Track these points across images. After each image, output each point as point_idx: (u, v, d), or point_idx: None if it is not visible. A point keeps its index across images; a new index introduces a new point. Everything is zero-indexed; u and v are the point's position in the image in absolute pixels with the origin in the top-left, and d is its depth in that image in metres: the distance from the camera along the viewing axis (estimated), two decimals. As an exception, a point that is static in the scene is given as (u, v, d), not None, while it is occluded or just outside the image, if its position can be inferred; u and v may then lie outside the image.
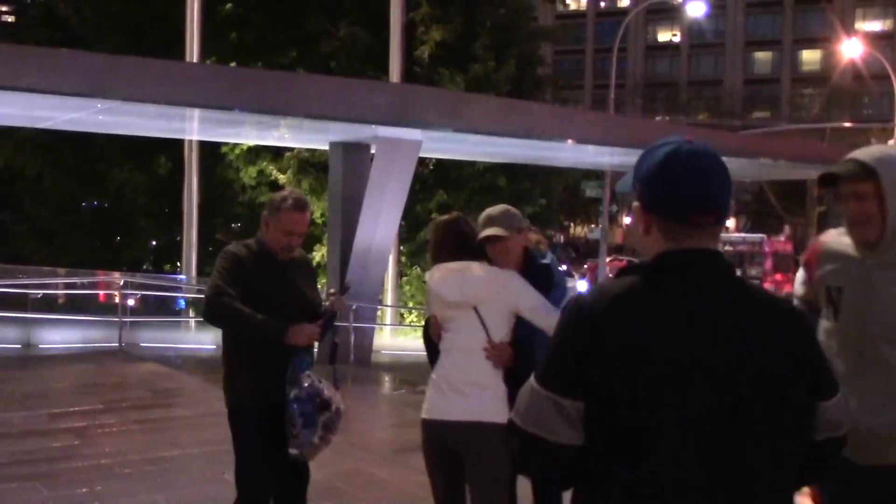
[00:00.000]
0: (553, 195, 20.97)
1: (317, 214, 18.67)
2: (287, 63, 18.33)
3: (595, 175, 25.18)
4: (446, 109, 13.23)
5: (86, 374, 9.85)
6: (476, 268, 3.76)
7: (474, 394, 3.68)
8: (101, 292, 17.08)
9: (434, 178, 17.60)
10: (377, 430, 8.11)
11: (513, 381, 3.73)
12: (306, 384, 3.92)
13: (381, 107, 12.61)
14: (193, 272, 17.11)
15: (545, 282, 3.88)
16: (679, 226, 1.84)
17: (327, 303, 4.22)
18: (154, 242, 23.77)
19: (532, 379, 1.84)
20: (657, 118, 49.08)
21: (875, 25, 59.25)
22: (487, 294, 3.71)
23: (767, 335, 1.81)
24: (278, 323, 3.91)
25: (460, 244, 3.85)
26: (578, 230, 58.51)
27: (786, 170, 18.65)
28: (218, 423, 7.81)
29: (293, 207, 4.06)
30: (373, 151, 13.67)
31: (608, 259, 25.94)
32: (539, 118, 13.99)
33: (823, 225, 54.05)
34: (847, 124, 41.24)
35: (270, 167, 18.84)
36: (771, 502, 1.81)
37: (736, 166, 18.17)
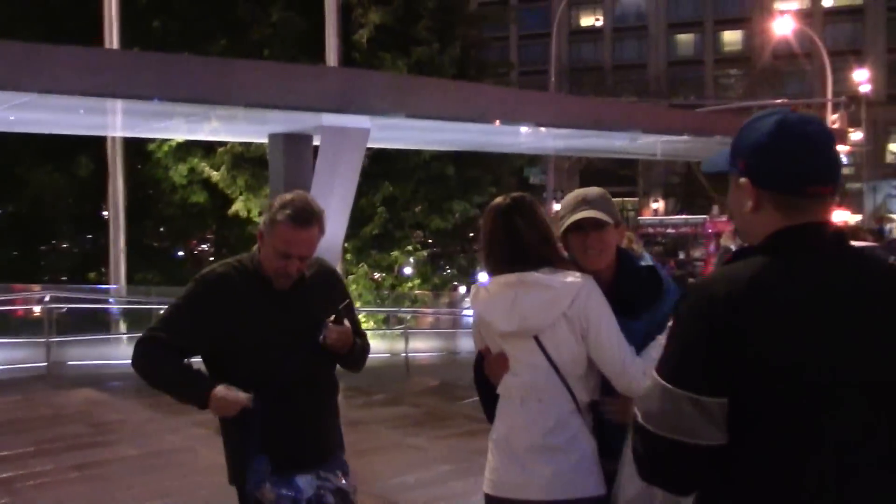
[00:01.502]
0: (503, 183, 20.16)
1: (254, 212, 17.61)
2: (216, 52, 17.18)
3: (537, 161, 24.46)
4: (396, 94, 12.31)
5: (11, 407, 8.64)
6: (534, 278, 2.77)
7: (557, 461, 2.71)
8: (21, 308, 15.70)
9: (379, 169, 16.62)
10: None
11: (605, 431, 2.85)
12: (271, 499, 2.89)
13: (327, 93, 11.64)
14: (122, 280, 15.85)
15: (653, 289, 2.93)
16: (797, 199, 1.80)
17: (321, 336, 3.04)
18: (77, 250, 22.29)
19: (658, 378, 1.76)
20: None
21: (793, 5, 59.85)
22: (551, 315, 2.75)
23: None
24: (197, 388, 2.87)
25: (518, 246, 2.84)
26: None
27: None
28: (172, 463, 6.84)
29: (292, 221, 2.90)
30: (316, 143, 12.72)
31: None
32: (496, 101, 13.13)
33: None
34: (778, 101, 41.41)
35: (202, 164, 17.63)
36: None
37: (696, 146, 17.58)
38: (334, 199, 12.40)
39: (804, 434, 1.70)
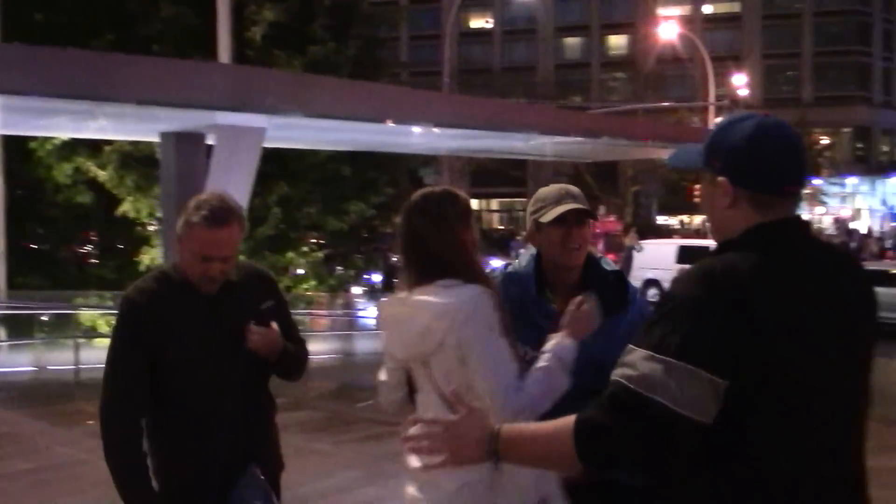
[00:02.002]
0: (400, 184, 20.05)
1: (143, 213, 17.07)
2: (103, 47, 16.53)
3: (431, 162, 24.48)
4: (294, 92, 12.13)
5: None
6: (414, 300, 2.55)
7: (437, 490, 2.59)
8: None
9: (273, 169, 16.30)
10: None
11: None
12: None
13: (222, 91, 11.38)
14: (2, 284, 15.14)
15: (620, 296, 2.87)
16: (773, 198, 1.89)
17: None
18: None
19: (657, 353, 1.74)
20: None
21: (675, 11, 61.66)
22: (428, 342, 2.53)
23: (863, 290, 1.97)
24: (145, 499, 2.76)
25: (416, 253, 2.62)
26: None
27: (637, 150, 18.56)
28: (67, 477, 6.52)
29: (207, 222, 2.73)
30: (210, 142, 12.40)
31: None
32: (394, 101, 13.06)
33: (637, 204, 56.32)
34: (663, 104, 42.56)
35: (88, 163, 16.96)
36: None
37: (584, 147, 17.88)
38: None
39: (791, 424, 1.76)
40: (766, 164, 1.89)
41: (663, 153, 24.50)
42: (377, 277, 26.25)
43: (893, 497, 7.95)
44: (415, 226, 2.63)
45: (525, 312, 2.77)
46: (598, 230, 32.20)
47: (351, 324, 19.92)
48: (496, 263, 29.42)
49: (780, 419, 1.74)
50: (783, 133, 1.92)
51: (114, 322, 2.91)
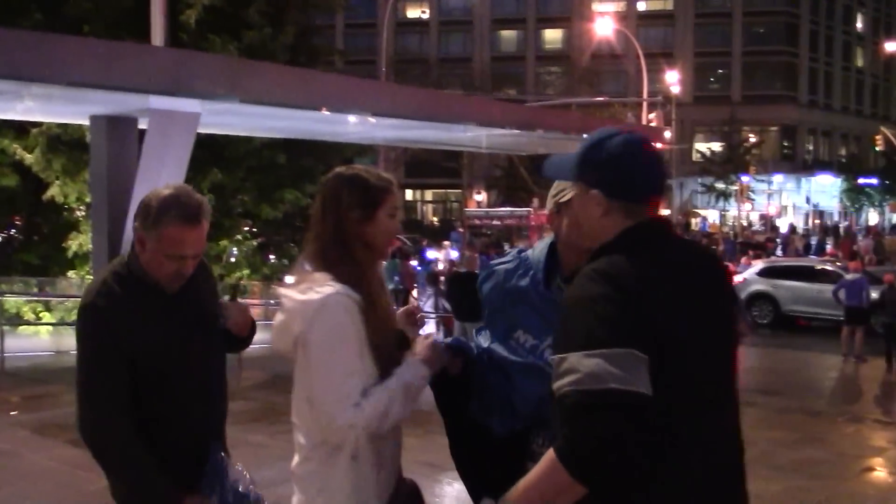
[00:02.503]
0: (335, 172, 19.86)
1: (71, 198, 16.63)
2: (29, 27, 16.05)
3: (367, 151, 24.33)
4: (230, 77, 11.86)
5: None
6: (281, 292, 2.50)
7: (297, 492, 2.61)
8: None
9: (206, 156, 16.00)
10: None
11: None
12: None
13: (156, 74, 11.07)
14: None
15: None
16: (640, 206, 2.14)
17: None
18: None
19: (590, 350, 1.90)
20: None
21: (610, 7, 62.36)
22: (285, 339, 2.49)
23: (720, 275, 2.27)
24: (169, 491, 2.65)
25: (308, 241, 2.58)
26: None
27: (572, 143, 18.65)
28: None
29: (181, 219, 2.64)
30: (142, 126, 12.14)
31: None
32: (333, 89, 12.92)
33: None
34: (597, 99, 43.01)
35: (14, 146, 16.45)
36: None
37: (520, 140, 17.94)
38: (161, 184, 11.87)
39: (684, 384, 2.01)
40: (634, 178, 2.14)
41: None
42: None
43: (818, 486, 8.21)
44: (314, 207, 2.61)
45: (530, 299, 2.70)
46: (532, 223, 32.49)
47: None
48: (433, 255, 29.41)
49: (676, 380, 1.97)
50: (647, 149, 2.19)
51: (79, 332, 2.71)
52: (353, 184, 2.53)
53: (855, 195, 63.32)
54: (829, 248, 35.87)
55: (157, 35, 15.01)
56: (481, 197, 59.75)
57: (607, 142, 2.15)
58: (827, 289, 18.53)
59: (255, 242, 18.68)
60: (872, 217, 66.38)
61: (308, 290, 2.41)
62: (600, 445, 1.85)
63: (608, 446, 1.86)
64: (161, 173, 11.80)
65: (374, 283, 2.51)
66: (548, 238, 2.83)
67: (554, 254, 2.72)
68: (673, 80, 45.88)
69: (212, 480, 2.76)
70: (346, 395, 2.36)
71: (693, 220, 57.79)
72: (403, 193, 66.26)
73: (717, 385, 2.12)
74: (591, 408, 1.87)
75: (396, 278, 22.36)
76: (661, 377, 1.93)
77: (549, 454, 1.92)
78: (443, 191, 67.39)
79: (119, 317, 2.66)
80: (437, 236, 44.96)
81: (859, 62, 72.51)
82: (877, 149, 53.77)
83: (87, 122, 12.83)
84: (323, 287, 2.40)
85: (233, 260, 18.42)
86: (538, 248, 2.81)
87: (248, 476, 2.88)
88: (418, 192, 68.89)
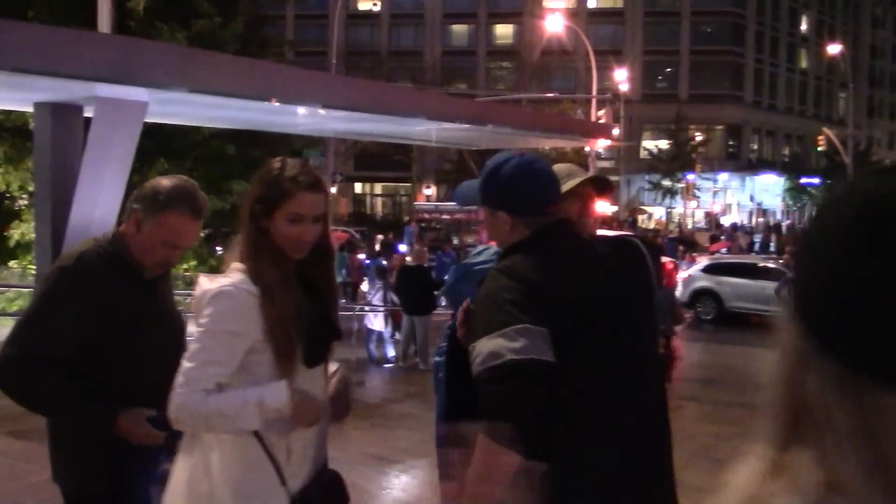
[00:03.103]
0: (285, 164, 19.70)
1: (13, 186, 16.33)
2: (-29, 11, 15.73)
3: (317, 143, 24.19)
4: (178, 66, 11.75)
5: None
6: (211, 275, 2.54)
7: None
8: None
9: (153, 145, 15.82)
10: None
11: None
12: None
13: (102, 61, 10.91)
14: None
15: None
16: (539, 217, 2.44)
17: None
18: None
19: (491, 333, 2.17)
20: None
21: (560, 3, 62.69)
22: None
23: (632, 266, 2.53)
24: (103, 410, 2.65)
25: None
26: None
27: (521, 139, 18.76)
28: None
29: (188, 213, 2.73)
30: (88, 115, 11.95)
31: (332, 230, 25.14)
32: (282, 79, 12.84)
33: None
34: (547, 95, 43.21)
35: (-46, 132, 16.13)
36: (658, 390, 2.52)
37: (470, 134, 18.00)
38: (108, 175, 11.70)
39: (587, 355, 2.29)
40: (531, 196, 2.44)
41: (547, 143, 24.85)
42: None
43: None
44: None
45: None
46: (481, 218, 32.57)
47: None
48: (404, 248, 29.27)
49: (578, 357, 2.25)
50: (537, 168, 2.48)
51: (40, 287, 2.78)
52: (263, 175, 2.51)
53: (797, 194, 64.50)
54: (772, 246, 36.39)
55: (104, 22, 14.79)
56: (431, 191, 59.77)
57: (502, 168, 2.45)
58: (769, 285, 18.91)
59: (202, 233, 18.51)
60: (814, 216, 67.67)
61: (215, 279, 2.44)
62: (510, 411, 2.09)
63: (517, 410, 2.10)
64: (107, 162, 11.62)
65: (276, 279, 2.44)
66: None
67: None
68: (622, 77, 46.29)
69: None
70: (197, 379, 2.36)
71: (640, 217, 58.48)
72: (353, 186, 66.03)
73: (623, 361, 2.36)
74: (496, 380, 2.12)
75: (344, 271, 22.32)
76: (565, 355, 2.18)
77: (479, 437, 2.12)
78: (392, 184, 67.26)
79: (89, 285, 2.69)
80: (386, 229, 44.92)
81: (803, 64, 73.84)
82: (819, 149, 54.91)
83: (31, 110, 12.61)
84: (227, 277, 2.43)
85: (179, 251, 18.24)
86: None
87: None
88: (368, 186, 68.67)
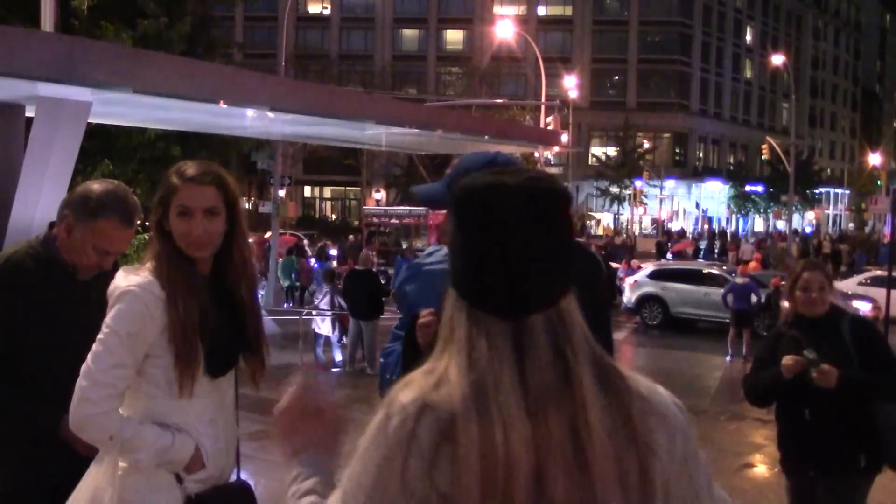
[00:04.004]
0: (232, 167, 19.57)
1: (-49, 187, 15.93)
2: None
3: (265, 146, 24.00)
4: (123, 66, 11.54)
5: None
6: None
7: None
8: None
9: (97, 146, 15.56)
10: None
11: None
12: None
13: (45, 60, 10.68)
14: None
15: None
16: None
17: None
18: None
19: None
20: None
21: (511, 10, 63.05)
22: None
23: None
24: (46, 412, 2.61)
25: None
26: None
27: (471, 144, 18.79)
28: None
29: (119, 220, 2.71)
30: (29, 114, 11.72)
31: (280, 233, 24.93)
32: (230, 81, 12.71)
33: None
34: (497, 101, 43.39)
35: None
36: None
37: (420, 139, 17.99)
38: (49, 176, 11.47)
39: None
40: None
41: (496, 148, 24.87)
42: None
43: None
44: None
45: None
46: (431, 222, 32.59)
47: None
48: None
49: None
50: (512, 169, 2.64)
51: None
52: (164, 175, 2.52)
53: (742, 202, 65.60)
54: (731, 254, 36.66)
55: (47, 20, 14.51)
56: (380, 195, 59.67)
57: (476, 168, 2.34)
58: (714, 291, 19.18)
59: (146, 236, 18.25)
60: (758, 223, 68.89)
61: (130, 276, 2.43)
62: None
63: None
64: (49, 163, 11.40)
65: (180, 282, 2.41)
66: None
67: None
68: (571, 84, 46.66)
69: None
70: (104, 384, 2.34)
71: (589, 223, 58.99)
72: (302, 190, 65.67)
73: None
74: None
75: (293, 275, 22.19)
76: None
77: None
78: (342, 188, 67.03)
79: (16, 285, 2.67)
80: (335, 234, 44.71)
81: (748, 74, 75.17)
82: (763, 158, 55.88)
83: (-31, 108, 12.30)
84: (138, 275, 2.41)
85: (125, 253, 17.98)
86: None
87: None
88: (317, 189, 68.36)
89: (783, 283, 16.73)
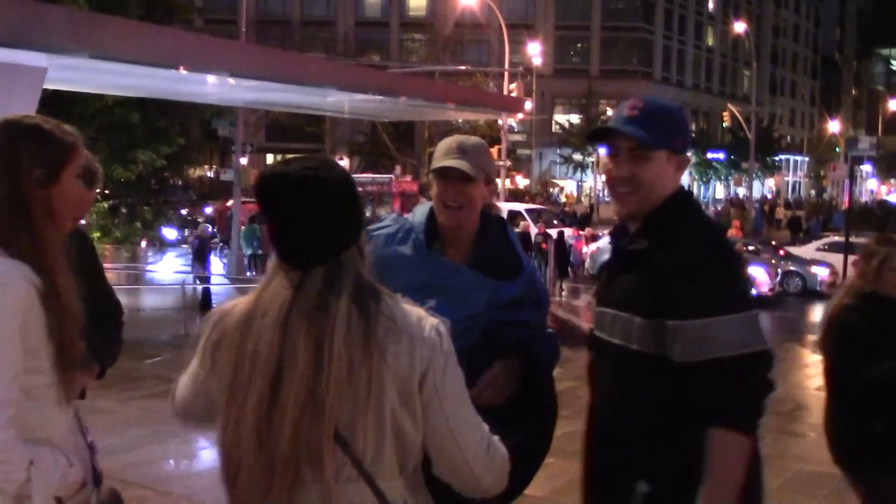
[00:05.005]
0: (192, 134, 19.32)
1: None
2: None
3: (226, 113, 23.72)
4: (78, 31, 11.37)
5: None
6: None
7: None
8: None
9: (53, 113, 15.25)
10: None
11: None
12: None
13: (-2, 24, 10.48)
14: None
15: (512, 265, 2.73)
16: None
17: None
18: None
19: (739, 313, 2.15)
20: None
21: (474, -24, 62.51)
22: None
23: None
24: None
25: None
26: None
27: (434, 111, 18.75)
28: None
29: (87, 183, 2.42)
30: (-17, 80, 11.43)
31: (243, 201, 24.72)
32: (189, 47, 12.53)
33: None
34: (460, 67, 43.20)
35: None
36: None
37: (383, 106, 17.89)
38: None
39: None
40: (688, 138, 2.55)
41: (460, 116, 24.87)
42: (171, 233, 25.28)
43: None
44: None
45: (410, 261, 2.64)
46: (395, 189, 32.55)
47: (138, 278, 19.16)
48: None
49: None
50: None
51: None
52: (33, 136, 2.14)
53: (703, 169, 66.05)
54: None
55: (0, -17, 14.19)
56: (344, 163, 59.24)
57: (677, 110, 2.47)
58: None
59: (105, 205, 18.02)
60: (719, 190, 69.46)
61: None
62: (764, 401, 2.15)
63: (766, 398, 2.16)
64: (3, 130, 11.22)
65: (59, 264, 2.07)
66: (427, 204, 2.80)
67: (433, 218, 2.71)
68: (534, 51, 46.53)
69: None
70: (7, 401, 1.95)
71: (553, 190, 59.14)
72: (264, 158, 65.09)
73: None
74: (761, 368, 2.16)
75: (255, 243, 22.05)
76: None
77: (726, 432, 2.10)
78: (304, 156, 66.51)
79: None
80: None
81: (710, 41, 75.41)
82: (724, 125, 56.14)
83: (-80, 74, 12.01)
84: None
85: (82, 222, 17.75)
86: (418, 213, 2.78)
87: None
88: (279, 157, 67.23)
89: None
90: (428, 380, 1.78)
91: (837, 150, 71.15)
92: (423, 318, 1.84)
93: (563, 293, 20.69)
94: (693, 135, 69.78)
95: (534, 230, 22.71)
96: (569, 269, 21.92)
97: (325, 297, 1.76)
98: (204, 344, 1.88)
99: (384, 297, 1.82)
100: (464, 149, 2.66)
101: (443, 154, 2.67)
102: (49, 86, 12.47)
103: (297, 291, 1.77)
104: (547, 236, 21.33)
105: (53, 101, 15.21)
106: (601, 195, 58.87)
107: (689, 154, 2.43)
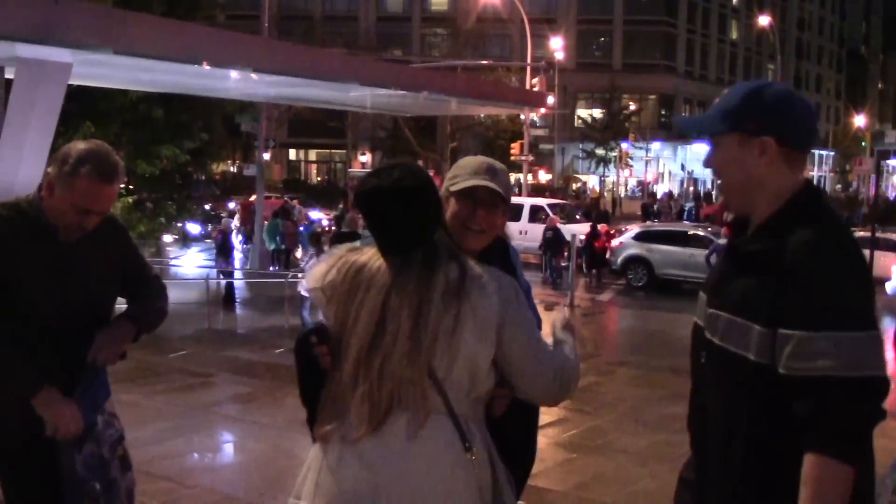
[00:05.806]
0: (215, 129, 19.40)
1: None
2: None
3: (248, 108, 23.81)
4: (103, 27, 11.42)
5: None
6: None
7: None
8: None
9: (78, 108, 15.39)
10: None
11: None
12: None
13: (24, 21, 10.57)
14: None
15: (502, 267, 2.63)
16: (803, 157, 2.10)
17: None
18: None
19: (862, 331, 1.90)
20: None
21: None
22: None
23: None
24: (28, 378, 2.61)
25: None
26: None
27: (457, 106, 18.73)
28: None
29: (97, 176, 2.65)
30: (9, 76, 11.59)
31: (266, 196, 24.80)
32: (212, 42, 12.57)
33: (455, 160, 57.13)
34: (483, 62, 43.14)
35: None
36: None
37: (405, 101, 17.88)
38: (30, 138, 11.39)
39: None
40: (807, 125, 2.11)
41: (482, 110, 24.82)
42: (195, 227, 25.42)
43: (681, 440, 8.57)
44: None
45: None
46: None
47: (163, 272, 19.28)
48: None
49: None
50: (808, 100, 2.17)
51: None
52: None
53: (727, 164, 65.55)
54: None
55: (26, -20, 14.30)
56: (366, 158, 59.36)
57: (770, 89, 2.10)
58: (698, 252, 19.29)
59: (130, 199, 18.15)
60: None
61: None
62: (869, 430, 1.94)
63: (872, 427, 1.94)
64: (29, 125, 11.30)
65: None
66: None
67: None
68: (557, 46, 46.37)
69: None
70: None
71: (574, 185, 58.96)
72: (287, 153, 65.28)
73: None
74: (870, 397, 1.91)
75: (279, 238, 22.13)
76: None
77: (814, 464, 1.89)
78: (327, 151, 66.67)
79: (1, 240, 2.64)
80: (320, 197, 44.54)
81: (734, 35, 74.87)
82: (748, 119, 55.41)
83: (-53, 70, 12.16)
84: None
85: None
86: None
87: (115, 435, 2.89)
88: (302, 152, 67.97)
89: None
90: (507, 320, 2.26)
91: (864, 144, 70.49)
92: (501, 276, 2.32)
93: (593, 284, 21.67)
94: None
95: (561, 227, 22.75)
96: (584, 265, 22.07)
97: (424, 271, 2.23)
98: (324, 276, 2.37)
99: (468, 262, 2.29)
100: (494, 171, 2.52)
101: (470, 173, 2.50)
102: (74, 82, 12.56)
103: (400, 268, 2.25)
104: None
105: (79, 97, 15.33)
106: (634, 190, 58.57)
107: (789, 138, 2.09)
